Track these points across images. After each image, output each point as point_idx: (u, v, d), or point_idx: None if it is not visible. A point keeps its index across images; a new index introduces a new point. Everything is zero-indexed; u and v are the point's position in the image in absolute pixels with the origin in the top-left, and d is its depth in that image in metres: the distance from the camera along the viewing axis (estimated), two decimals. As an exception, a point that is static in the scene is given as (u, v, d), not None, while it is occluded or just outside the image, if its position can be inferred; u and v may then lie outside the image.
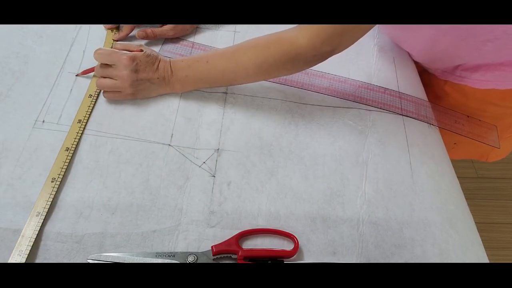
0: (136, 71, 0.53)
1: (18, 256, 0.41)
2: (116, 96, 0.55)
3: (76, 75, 0.57)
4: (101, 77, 0.55)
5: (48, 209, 0.45)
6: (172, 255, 0.43)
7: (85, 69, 0.57)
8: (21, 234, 0.43)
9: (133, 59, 0.52)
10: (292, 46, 0.49)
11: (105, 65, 0.54)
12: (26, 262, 0.41)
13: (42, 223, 0.44)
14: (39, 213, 0.44)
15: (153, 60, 0.54)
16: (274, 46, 0.50)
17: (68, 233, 0.44)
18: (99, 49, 0.54)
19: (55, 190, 0.46)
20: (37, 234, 0.43)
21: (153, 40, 0.63)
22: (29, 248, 0.42)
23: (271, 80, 0.60)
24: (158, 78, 0.54)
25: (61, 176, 0.47)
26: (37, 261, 0.42)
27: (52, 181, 0.47)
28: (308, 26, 0.48)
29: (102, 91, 0.56)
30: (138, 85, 0.54)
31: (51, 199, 0.45)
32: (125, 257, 0.42)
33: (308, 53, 0.49)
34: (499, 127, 0.67)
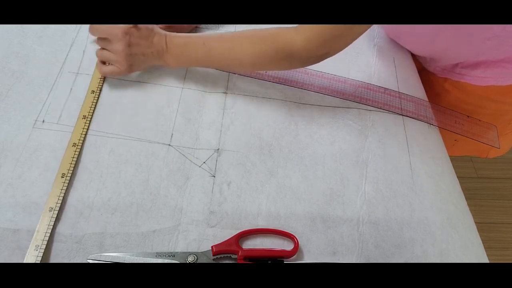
0: (129, 45, 0.53)
1: (35, 251, 0.42)
2: (114, 71, 0.55)
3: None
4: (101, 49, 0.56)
5: (58, 206, 0.45)
6: (172, 255, 0.43)
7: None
8: (36, 229, 0.43)
9: (126, 32, 0.52)
10: (286, 45, 0.49)
11: (103, 38, 0.55)
12: (42, 259, 0.42)
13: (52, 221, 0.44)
14: (52, 208, 0.45)
15: (147, 34, 0.53)
16: (270, 42, 0.50)
17: (68, 233, 0.44)
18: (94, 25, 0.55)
19: (66, 185, 0.47)
20: (50, 231, 0.44)
21: None
22: (45, 243, 0.42)
23: (271, 80, 0.60)
24: (152, 52, 0.54)
25: (70, 171, 0.48)
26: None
27: (62, 177, 0.47)
28: (304, 29, 0.48)
29: (100, 72, 0.56)
30: (132, 59, 0.54)
31: (62, 194, 0.46)
32: (125, 257, 0.42)
33: (302, 55, 0.49)
34: (500, 123, 0.67)
